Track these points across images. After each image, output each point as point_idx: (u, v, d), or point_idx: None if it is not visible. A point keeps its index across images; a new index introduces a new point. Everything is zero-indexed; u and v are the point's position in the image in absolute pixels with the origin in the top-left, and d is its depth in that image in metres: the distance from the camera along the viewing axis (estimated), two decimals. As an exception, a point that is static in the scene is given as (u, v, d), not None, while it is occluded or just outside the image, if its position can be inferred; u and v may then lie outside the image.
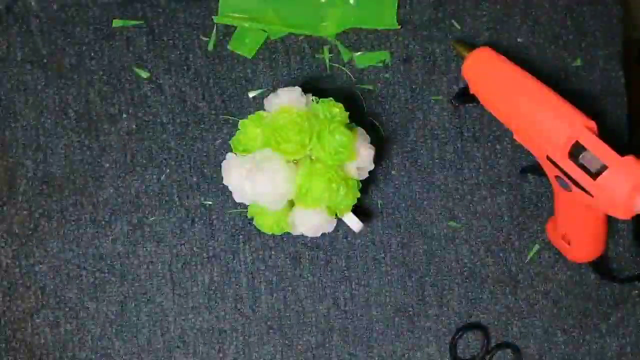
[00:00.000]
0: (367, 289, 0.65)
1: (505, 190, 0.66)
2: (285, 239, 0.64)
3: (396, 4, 0.65)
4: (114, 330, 0.63)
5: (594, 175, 0.51)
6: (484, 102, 0.59)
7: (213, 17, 0.64)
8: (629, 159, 0.50)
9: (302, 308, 0.64)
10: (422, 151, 0.66)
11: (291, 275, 0.64)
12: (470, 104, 0.63)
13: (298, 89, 0.58)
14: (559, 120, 0.53)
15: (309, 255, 0.64)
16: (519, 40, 0.66)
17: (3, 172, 0.63)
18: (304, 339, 0.64)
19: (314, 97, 0.58)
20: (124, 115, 0.63)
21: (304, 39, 0.65)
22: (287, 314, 0.64)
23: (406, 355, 0.65)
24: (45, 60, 0.63)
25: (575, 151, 0.52)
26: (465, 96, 0.61)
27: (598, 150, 0.51)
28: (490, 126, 0.66)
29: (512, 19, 0.66)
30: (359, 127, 0.60)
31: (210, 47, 0.64)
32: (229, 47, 0.64)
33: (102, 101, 0.63)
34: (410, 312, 0.65)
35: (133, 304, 0.63)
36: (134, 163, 0.63)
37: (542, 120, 0.54)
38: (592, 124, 0.53)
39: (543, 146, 0.54)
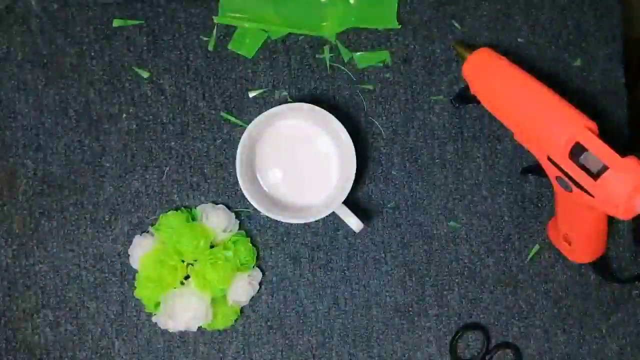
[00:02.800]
0: (367, 289, 0.65)
1: (505, 190, 0.66)
2: (285, 239, 0.64)
3: (396, 4, 0.65)
4: (114, 330, 0.62)
5: (595, 175, 0.51)
6: (485, 103, 0.59)
7: (213, 17, 0.64)
8: (630, 159, 0.50)
9: (302, 308, 0.64)
10: (422, 151, 0.66)
11: (291, 275, 0.64)
12: (471, 104, 0.63)
13: (231, 216, 0.63)
14: (560, 120, 0.53)
15: (309, 255, 0.64)
16: (519, 40, 0.66)
17: (3, 172, 0.62)
18: (304, 339, 0.64)
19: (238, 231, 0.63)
20: (124, 115, 0.63)
21: (304, 39, 0.65)
22: (287, 314, 0.64)
23: (406, 355, 0.65)
24: (45, 60, 0.63)
25: (576, 152, 0.52)
26: (465, 96, 0.61)
27: (599, 151, 0.51)
28: (490, 126, 0.66)
29: (512, 19, 0.66)
30: (257, 270, 0.63)
31: (210, 47, 0.64)
32: (229, 47, 0.64)
33: (102, 101, 0.63)
34: (410, 312, 0.65)
35: (133, 304, 0.63)
36: (134, 163, 0.63)
37: (542, 120, 0.54)
38: (593, 125, 0.53)
39: (544, 147, 0.54)
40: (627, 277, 0.66)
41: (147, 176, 0.63)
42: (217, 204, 0.64)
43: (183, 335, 0.63)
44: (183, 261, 0.61)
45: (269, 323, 0.64)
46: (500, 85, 0.57)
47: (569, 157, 0.52)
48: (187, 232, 0.60)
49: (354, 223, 0.60)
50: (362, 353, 0.64)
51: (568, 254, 0.63)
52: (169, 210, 0.63)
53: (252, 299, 0.63)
